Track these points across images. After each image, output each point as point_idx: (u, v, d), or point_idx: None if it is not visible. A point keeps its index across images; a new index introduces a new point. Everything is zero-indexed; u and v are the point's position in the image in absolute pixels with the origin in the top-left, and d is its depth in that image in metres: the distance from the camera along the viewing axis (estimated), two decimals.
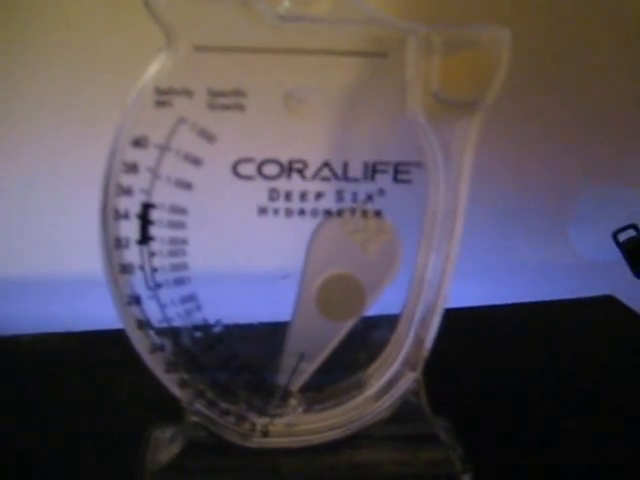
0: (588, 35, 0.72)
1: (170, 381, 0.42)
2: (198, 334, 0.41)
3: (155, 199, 0.38)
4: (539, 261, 0.79)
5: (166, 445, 0.45)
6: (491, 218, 0.76)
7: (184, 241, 0.39)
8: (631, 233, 0.67)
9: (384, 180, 0.39)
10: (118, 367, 0.55)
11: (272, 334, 0.43)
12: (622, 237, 0.68)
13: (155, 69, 0.36)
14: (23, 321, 0.64)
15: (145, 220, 0.38)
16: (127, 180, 0.38)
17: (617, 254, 0.69)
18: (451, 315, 0.43)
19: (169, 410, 0.43)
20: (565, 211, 0.78)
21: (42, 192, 0.67)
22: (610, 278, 0.72)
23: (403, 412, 0.44)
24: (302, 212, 0.39)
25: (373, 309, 0.43)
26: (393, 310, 0.44)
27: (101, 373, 0.57)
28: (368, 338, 0.44)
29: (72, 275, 0.69)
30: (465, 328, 0.64)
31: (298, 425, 0.45)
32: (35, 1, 0.61)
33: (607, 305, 0.73)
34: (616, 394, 0.56)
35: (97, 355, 0.60)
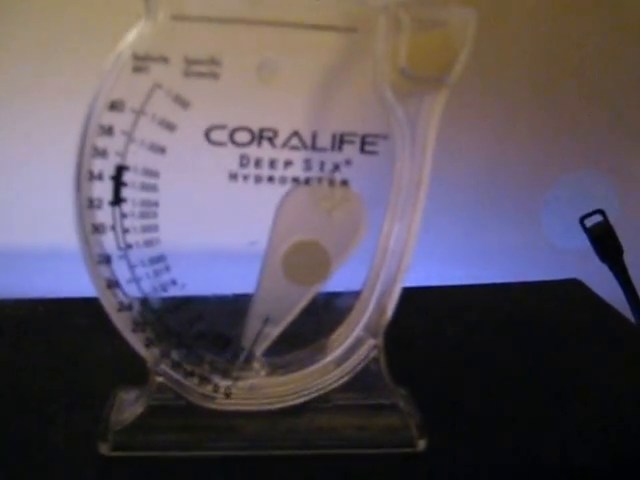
0: (562, 27, 0.73)
1: (136, 341, 0.43)
2: (165, 294, 0.42)
3: (129, 162, 0.39)
4: (508, 244, 0.80)
5: (130, 405, 0.46)
6: (461, 200, 0.77)
7: (155, 203, 0.40)
8: (598, 219, 0.68)
9: (351, 151, 0.40)
10: (84, 333, 0.57)
11: (238, 298, 0.44)
12: (589, 222, 0.69)
13: (133, 36, 0.37)
14: None
15: (118, 182, 0.39)
16: (102, 142, 0.38)
17: (585, 239, 0.70)
18: (419, 293, 0.44)
19: (133, 374, 0.45)
20: (535, 195, 0.79)
21: (11, 156, 0.68)
22: (578, 263, 0.73)
23: (363, 378, 0.45)
24: (271, 179, 0.40)
25: (338, 285, 0.44)
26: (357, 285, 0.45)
27: (66, 338, 0.58)
28: (332, 305, 0.45)
29: (38, 242, 0.70)
30: (432, 307, 0.65)
31: (260, 388, 0.46)
32: None
33: (573, 288, 0.74)
34: (577, 376, 0.57)
35: (63, 321, 0.61)
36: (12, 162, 0.68)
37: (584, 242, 0.70)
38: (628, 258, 0.68)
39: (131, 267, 0.41)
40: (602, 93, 0.77)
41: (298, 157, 0.40)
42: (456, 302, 0.69)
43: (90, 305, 0.42)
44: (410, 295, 0.44)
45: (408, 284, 0.44)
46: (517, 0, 0.70)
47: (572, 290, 0.74)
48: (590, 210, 0.68)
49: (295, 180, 0.41)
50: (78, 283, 0.42)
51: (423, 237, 0.43)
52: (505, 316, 0.67)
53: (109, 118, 0.38)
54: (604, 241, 0.69)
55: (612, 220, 0.68)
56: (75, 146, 0.38)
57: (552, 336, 0.64)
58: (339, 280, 0.44)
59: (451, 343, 0.61)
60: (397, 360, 0.45)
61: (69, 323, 0.60)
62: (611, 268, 0.70)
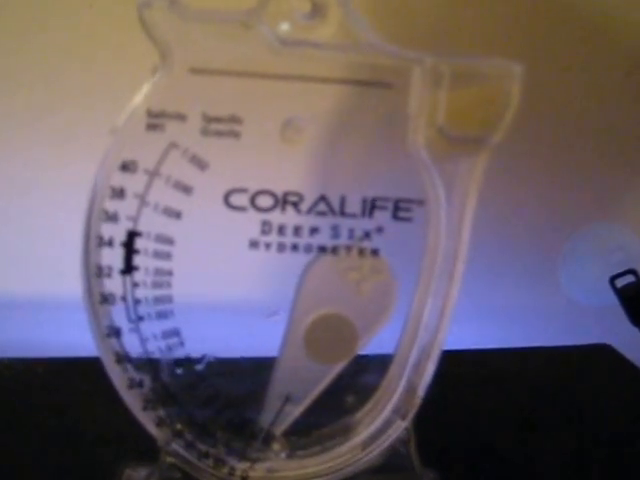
0: (578, 82, 0.72)
1: (147, 419, 0.41)
2: (179, 371, 0.40)
3: (141, 227, 0.37)
4: (531, 305, 0.78)
5: None
6: (483, 260, 0.75)
7: (170, 272, 0.38)
8: (630, 279, 0.66)
9: (383, 217, 0.38)
10: (88, 398, 0.54)
11: (257, 372, 0.42)
12: (620, 283, 0.67)
13: (148, 90, 0.36)
14: None
15: (130, 249, 0.38)
16: (113, 206, 0.37)
17: (613, 299, 0.67)
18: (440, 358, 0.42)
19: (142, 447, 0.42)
20: (559, 254, 0.78)
21: (20, 214, 0.68)
22: (608, 326, 0.71)
23: (391, 461, 0.43)
24: (295, 247, 0.38)
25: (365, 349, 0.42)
26: (385, 349, 0.43)
27: (70, 403, 0.56)
28: (358, 381, 0.43)
29: (41, 299, 0.68)
30: (454, 372, 0.62)
31: (279, 471, 0.43)
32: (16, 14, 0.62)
33: (602, 354, 0.72)
34: (608, 450, 0.55)
35: (66, 384, 0.59)
36: (15, 217, 0.67)
37: (614, 304, 0.67)
38: None
39: (142, 341, 0.39)
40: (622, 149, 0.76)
41: (325, 224, 0.38)
42: (476, 368, 0.67)
43: (93, 366, 0.39)
44: None
45: None
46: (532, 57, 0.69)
47: (602, 356, 0.72)
48: (621, 270, 0.66)
49: (321, 249, 0.39)
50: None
51: None
52: (530, 384, 0.65)
53: (120, 179, 0.37)
54: (636, 302, 0.66)
55: None
56: (84, 210, 0.37)
57: (581, 406, 0.62)
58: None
59: (473, 414, 0.58)
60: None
61: (70, 386, 0.58)
62: None
